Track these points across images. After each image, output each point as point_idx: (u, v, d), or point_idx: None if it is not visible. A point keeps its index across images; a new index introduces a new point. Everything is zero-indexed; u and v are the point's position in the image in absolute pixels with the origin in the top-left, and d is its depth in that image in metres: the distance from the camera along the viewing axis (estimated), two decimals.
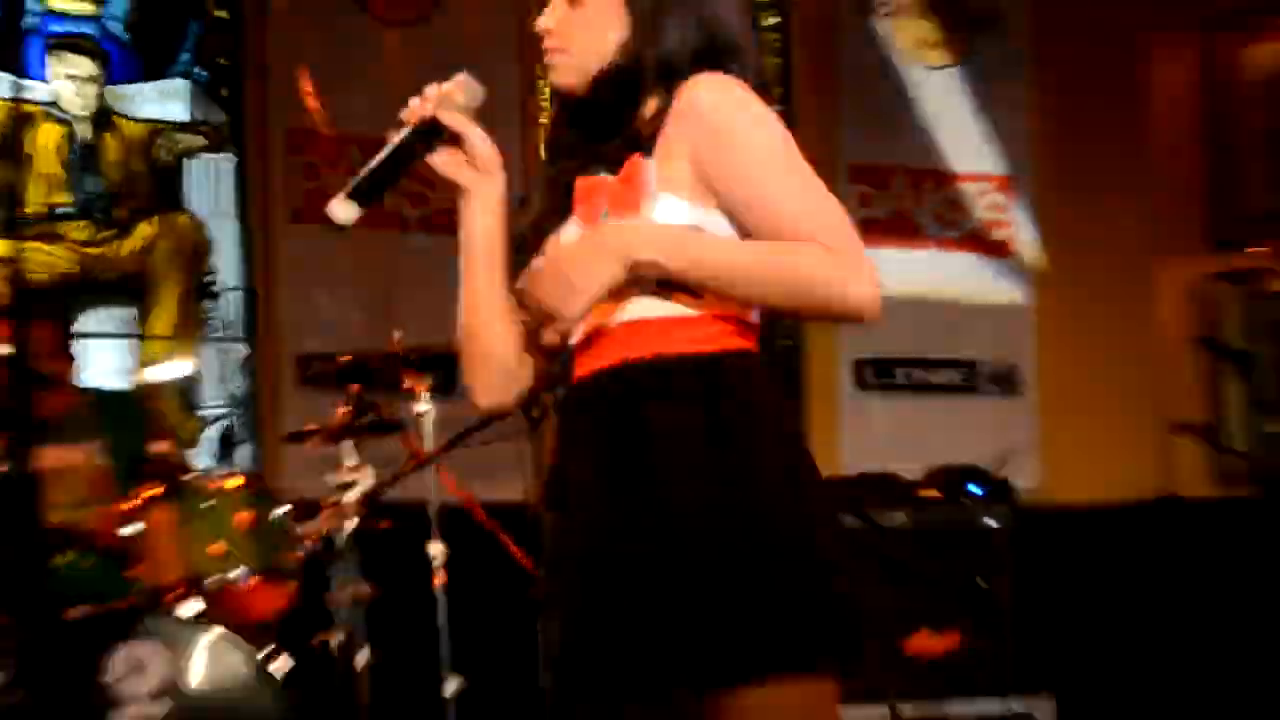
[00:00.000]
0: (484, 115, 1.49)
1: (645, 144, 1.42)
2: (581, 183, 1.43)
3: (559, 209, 1.46)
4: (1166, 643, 4.42)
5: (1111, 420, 5.04)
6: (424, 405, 3.48)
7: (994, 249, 5.06)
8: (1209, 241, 5.15)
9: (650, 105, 1.43)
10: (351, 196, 1.39)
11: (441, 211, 4.60)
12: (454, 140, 1.42)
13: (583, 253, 1.34)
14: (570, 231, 1.43)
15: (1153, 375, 5.11)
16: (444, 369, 3.43)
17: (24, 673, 2.57)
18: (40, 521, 2.86)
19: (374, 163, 1.41)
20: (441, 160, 1.43)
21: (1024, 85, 5.10)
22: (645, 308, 1.40)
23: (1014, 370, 5.05)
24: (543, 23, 1.46)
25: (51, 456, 3.16)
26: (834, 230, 1.34)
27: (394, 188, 1.46)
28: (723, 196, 1.35)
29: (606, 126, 1.47)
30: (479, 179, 1.44)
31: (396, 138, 1.41)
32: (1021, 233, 5.09)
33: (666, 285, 1.38)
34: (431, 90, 1.42)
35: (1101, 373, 5.06)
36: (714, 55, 1.43)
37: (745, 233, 1.38)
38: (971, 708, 3.58)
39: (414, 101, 1.43)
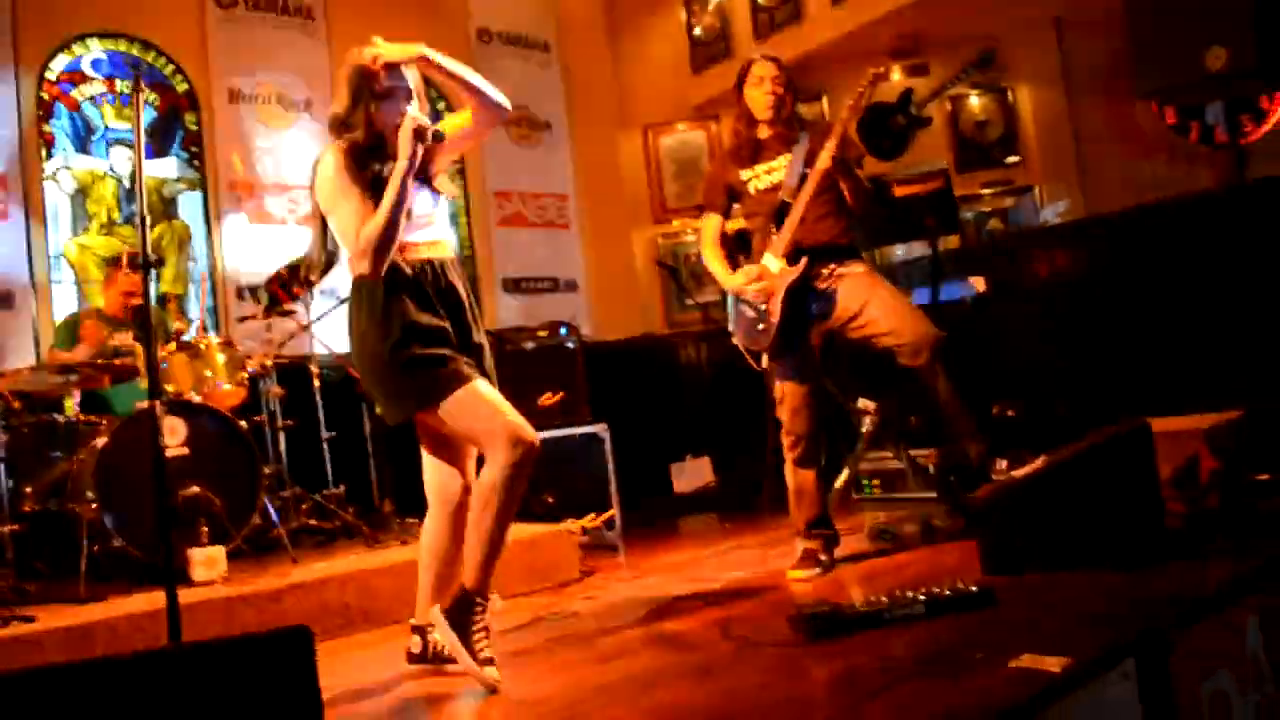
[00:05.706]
0: None
1: None
2: None
3: None
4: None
5: (627, 304, 7.40)
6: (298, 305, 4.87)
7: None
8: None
9: None
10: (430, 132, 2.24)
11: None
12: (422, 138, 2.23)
13: None
14: None
15: (638, 283, 7.59)
16: (305, 286, 4.76)
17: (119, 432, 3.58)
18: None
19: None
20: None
21: None
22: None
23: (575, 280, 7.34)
24: None
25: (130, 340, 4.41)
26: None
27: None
28: None
29: None
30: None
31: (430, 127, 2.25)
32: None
33: None
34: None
35: (614, 284, 7.42)
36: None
37: None
38: (564, 431, 4.95)
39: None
